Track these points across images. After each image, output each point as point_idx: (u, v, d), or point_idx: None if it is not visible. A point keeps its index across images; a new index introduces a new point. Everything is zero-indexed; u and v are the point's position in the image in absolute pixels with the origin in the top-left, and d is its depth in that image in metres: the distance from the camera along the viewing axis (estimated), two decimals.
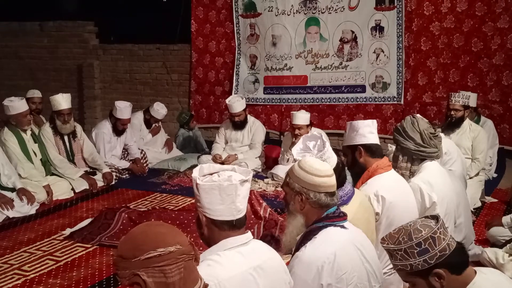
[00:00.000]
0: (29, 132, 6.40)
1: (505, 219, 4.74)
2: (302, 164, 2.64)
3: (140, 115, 7.99)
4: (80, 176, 6.61)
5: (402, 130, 3.86)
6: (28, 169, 6.16)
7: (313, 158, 2.80)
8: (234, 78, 8.76)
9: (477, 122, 6.62)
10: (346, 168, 3.72)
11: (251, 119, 7.72)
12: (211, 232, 2.27)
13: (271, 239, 4.57)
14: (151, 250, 1.68)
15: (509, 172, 6.96)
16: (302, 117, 6.83)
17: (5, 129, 6.25)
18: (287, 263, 2.59)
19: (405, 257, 2.10)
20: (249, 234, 2.31)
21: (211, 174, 2.29)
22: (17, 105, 6.21)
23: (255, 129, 7.63)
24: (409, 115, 4.09)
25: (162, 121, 8.55)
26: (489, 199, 6.04)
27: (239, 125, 7.56)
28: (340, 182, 2.93)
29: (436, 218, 2.15)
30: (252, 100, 8.67)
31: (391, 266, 3.40)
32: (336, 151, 3.36)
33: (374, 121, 3.77)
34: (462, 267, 2.11)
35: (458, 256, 2.10)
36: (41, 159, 6.46)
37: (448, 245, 2.08)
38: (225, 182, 2.22)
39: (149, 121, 8.02)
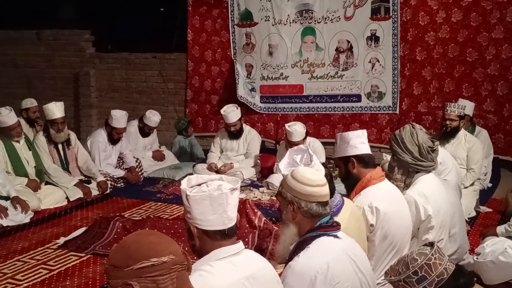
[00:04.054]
0: (22, 141, 6.38)
1: (500, 229, 4.74)
2: (294, 173, 2.65)
3: (136, 123, 7.99)
4: (74, 185, 6.60)
5: (400, 141, 3.85)
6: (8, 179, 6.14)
7: (306, 167, 2.80)
8: (235, 77, 8.64)
9: (472, 132, 6.62)
10: (339, 179, 3.74)
11: (246, 128, 7.72)
12: (203, 243, 2.26)
13: (266, 248, 4.56)
14: (144, 260, 1.67)
15: (503, 182, 6.97)
16: (299, 134, 6.76)
17: None
18: (281, 274, 2.59)
19: (407, 287, 2.12)
20: (241, 244, 2.31)
21: (199, 184, 2.28)
22: (4, 119, 6.20)
23: (251, 138, 7.63)
24: (407, 123, 4.07)
25: (159, 130, 8.55)
26: (483, 208, 6.04)
27: (235, 134, 7.55)
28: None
29: (432, 244, 2.17)
30: (251, 103, 8.65)
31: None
32: (324, 162, 3.36)
33: (364, 131, 3.76)
34: (467, 282, 2.12)
35: (458, 279, 2.11)
36: (35, 167, 6.43)
37: (445, 270, 2.10)
38: (215, 191, 2.22)
39: (143, 129, 8.02)
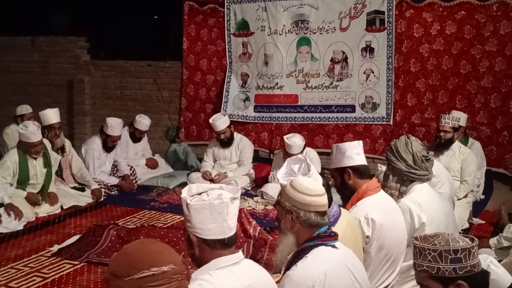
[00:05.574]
0: (39, 157, 6.20)
1: (492, 240, 4.77)
2: (293, 183, 2.66)
3: (125, 131, 7.95)
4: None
5: (395, 150, 3.88)
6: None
7: (305, 177, 2.81)
8: (224, 95, 8.79)
9: (465, 143, 6.66)
10: (336, 190, 3.75)
11: (238, 136, 7.73)
12: (202, 252, 2.27)
13: (261, 258, 4.56)
14: (145, 269, 1.66)
15: (496, 194, 7.00)
16: (298, 147, 6.71)
17: (14, 150, 6.14)
18: (277, 282, 2.60)
19: (436, 260, 2.09)
20: (240, 253, 2.32)
21: (200, 193, 2.29)
22: (28, 135, 6.01)
23: (243, 146, 7.64)
24: (402, 134, 4.11)
25: (152, 138, 8.54)
26: (476, 220, 6.07)
27: (226, 142, 7.56)
28: None
29: (472, 238, 2.17)
30: (242, 117, 8.71)
31: (381, 287, 3.42)
32: (321, 172, 3.37)
33: (360, 142, 3.77)
34: None
35: (482, 278, 2.12)
36: (44, 184, 6.29)
37: (478, 264, 2.10)
38: (215, 200, 2.23)
39: (133, 135, 8.02)
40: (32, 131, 6.03)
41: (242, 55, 8.70)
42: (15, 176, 6.08)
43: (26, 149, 6.08)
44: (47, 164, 6.30)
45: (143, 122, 7.94)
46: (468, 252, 2.08)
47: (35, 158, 6.16)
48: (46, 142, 6.42)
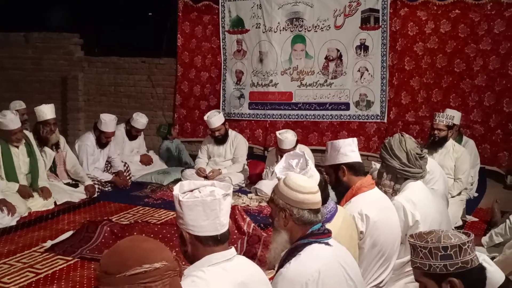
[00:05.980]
0: (21, 146, 6.23)
1: (484, 239, 4.79)
2: (286, 180, 2.65)
3: (122, 127, 7.95)
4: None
5: (389, 148, 3.88)
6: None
7: (299, 174, 2.81)
8: (221, 93, 8.81)
9: (459, 141, 6.67)
10: (330, 187, 3.75)
11: (232, 133, 7.72)
12: (195, 248, 2.26)
13: (254, 255, 4.57)
14: (136, 266, 1.65)
15: (489, 191, 7.03)
16: (290, 142, 6.73)
17: None
18: (271, 279, 2.60)
19: (427, 257, 2.10)
20: (233, 250, 2.31)
21: (192, 190, 2.29)
22: (7, 123, 6.06)
23: (237, 143, 7.63)
24: (396, 132, 4.10)
25: (147, 135, 8.52)
26: (470, 218, 6.08)
27: (221, 139, 7.55)
28: (323, 200, 2.93)
29: (468, 234, 2.17)
30: (238, 115, 8.72)
31: (374, 283, 3.43)
32: (319, 168, 3.37)
33: (355, 139, 3.78)
34: (478, 286, 2.13)
35: (477, 274, 2.12)
36: (30, 174, 6.29)
37: (471, 260, 2.10)
38: (208, 197, 2.22)
39: (130, 132, 8.00)
40: (10, 119, 6.09)
41: (237, 52, 8.70)
42: (1, 168, 6.08)
43: (6, 137, 6.11)
44: (31, 153, 6.32)
45: (140, 120, 7.92)
46: (458, 248, 2.08)
47: (17, 147, 6.19)
48: (28, 133, 6.45)
